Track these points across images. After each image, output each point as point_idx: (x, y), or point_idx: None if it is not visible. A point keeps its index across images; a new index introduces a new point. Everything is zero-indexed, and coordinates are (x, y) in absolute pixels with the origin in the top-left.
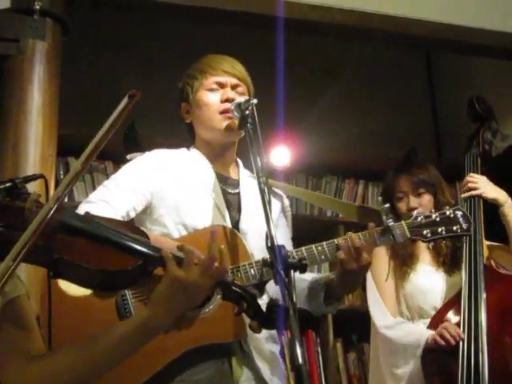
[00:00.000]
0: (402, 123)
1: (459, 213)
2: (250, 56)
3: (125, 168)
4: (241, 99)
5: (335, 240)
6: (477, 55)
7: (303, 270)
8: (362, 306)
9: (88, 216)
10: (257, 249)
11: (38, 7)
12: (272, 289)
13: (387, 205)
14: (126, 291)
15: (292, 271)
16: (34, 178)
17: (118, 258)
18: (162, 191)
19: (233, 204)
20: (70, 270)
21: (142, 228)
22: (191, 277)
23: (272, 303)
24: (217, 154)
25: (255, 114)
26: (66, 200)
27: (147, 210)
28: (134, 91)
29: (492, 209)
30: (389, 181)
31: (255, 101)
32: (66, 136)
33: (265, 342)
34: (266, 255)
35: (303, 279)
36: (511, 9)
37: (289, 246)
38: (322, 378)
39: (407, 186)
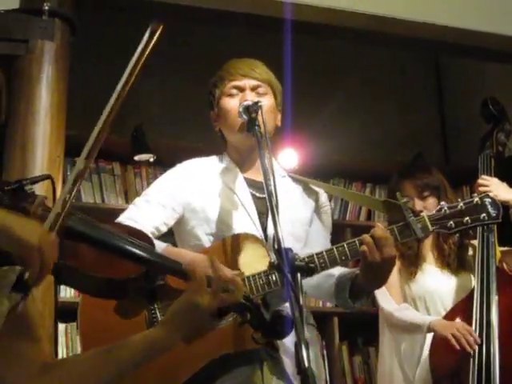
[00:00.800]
0: (409, 127)
1: (488, 200)
2: (257, 59)
3: (156, 183)
4: (248, 102)
5: (356, 239)
6: (485, 59)
7: (310, 273)
8: (368, 310)
9: (93, 222)
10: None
11: (46, 8)
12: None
13: (406, 199)
14: (155, 305)
15: (299, 274)
16: (40, 178)
17: (122, 264)
18: (193, 203)
19: (262, 209)
20: (74, 276)
21: (164, 244)
22: (210, 304)
23: (277, 314)
24: (245, 158)
25: (264, 117)
26: (73, 201)
27: (181, 223)
28: (155, 24)
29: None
30: (393, 185)
31: (263, 103)
32: (74, 136)
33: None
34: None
35: (331, 275)
36: None
37: (323, 240)
38: (327, 381)
39: (412, 190)
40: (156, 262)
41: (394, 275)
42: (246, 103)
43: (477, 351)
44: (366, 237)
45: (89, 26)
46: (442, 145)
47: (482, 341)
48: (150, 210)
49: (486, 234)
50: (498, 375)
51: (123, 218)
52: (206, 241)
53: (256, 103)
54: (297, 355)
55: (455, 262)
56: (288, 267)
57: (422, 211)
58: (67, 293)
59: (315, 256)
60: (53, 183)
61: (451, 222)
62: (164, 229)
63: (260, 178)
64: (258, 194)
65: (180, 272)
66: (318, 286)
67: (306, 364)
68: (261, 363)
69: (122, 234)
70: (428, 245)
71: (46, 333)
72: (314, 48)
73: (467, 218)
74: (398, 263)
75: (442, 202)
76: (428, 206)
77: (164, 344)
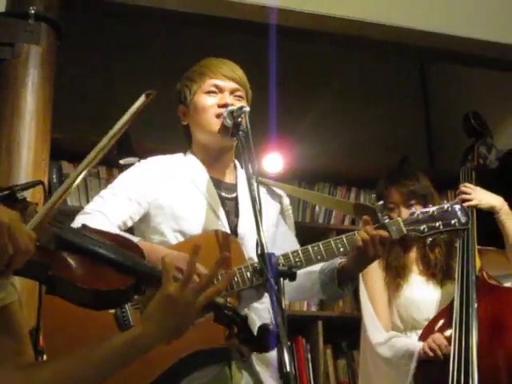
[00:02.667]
0: (395, 132)
1: (457, 206)
2: (243, 63)
3: (121, 177)
4: (233, 107)
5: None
6: (471, 66)
7: (293, 277)
8: (352, 314)
9: (84, 231)
10: (255, 252)
11: (32, 11)
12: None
13: (381, 202)
14: (126, 305)
15: (281, 279)
16: (32, 184)
17: (112, 276)
18: (159, 199)
19: (230, 208)
20: (64, 287)
21: (137, 238)
22: (186, 297)
23: (263, 328)
24: (213, 158)
25: (248, 122)
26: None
27: (145, 219)
28: (151, 91)
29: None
30: (380, 190)
31: (248, 108)
32: (60, 140)
33: None
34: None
35: (313, 271)
36: (507, 20)
37: (291, 242)
38: None
39: (398, 198)
40: (146, 273)
41: (384, 297)
42: (230, 108)
43: (456, 359)
44: (363, 234)
45: (75, 29)
46: (427, 149)
47: (461, 351)
48: (117, 204)
49: (466, 245)
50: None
51: (90, 210)
52: (172, 238)
53: (241, 108)
54: (279, 359)
55: (441, 273)
56: (271, 272)
57: None
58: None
59: (290, 254)
60: (44, 189)
61: (424, 226)
62: (130, 223)
63: (226, 178)
64: (224, 194)
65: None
66: (301, 287)
67: (288, 368)
68: (229, 361)
69: (112, 245)
70: (414, 255)
71: (28, 338)
72: (300, 53)
73: (439, 222)
74: (384, 275)
75: (414, 207)
76: None
77: (145, 341)
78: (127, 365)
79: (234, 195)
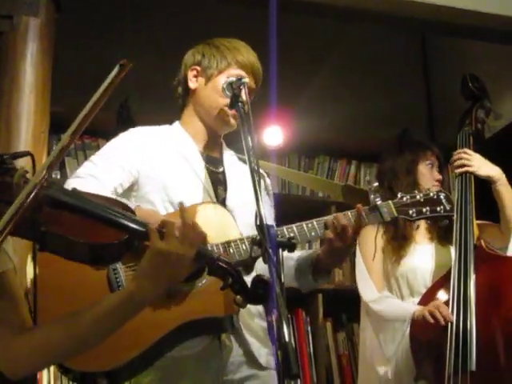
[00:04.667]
0: (395, 104)
1: (442, 194)
2: (242, 35)
3: (111, 144)
4: (232, 78)
5: (324, 218)
6: (472, 38)
7: (292, 248)
8: (351, 286)
9: (75, 191)
10: (245, 225)
11: None
12: (261, 267)
13: (375, 184)
14: (118, 265)
15: (281, 250)
16: (21, 154)
17: (105, 232)
18: (148, 169)
19: (218, 182)
20: (57, 242)
21: (134, 204)
22: (172, 247)
23: (257, 279)
24: (205, 135)
25: (247, 93)
26: (58, 176)
27: (134, 187)
28: (124, 60)
29: (485, 187)
30: (412, 151)
31: (247, 80)
32: (60, 113)
33: (254, 318)
34: (255, 232)
35: (290, 257)
36: None
37: (272, 220)
38: (311, 357)
39: (436, 160)
40: (136, 228)
41: (379, 261)
42: (230, 79)
43: (454, 329)
44: (331, 223)
45: (74, 2)
46: (427, 122)
47: (459, 318)
48: (108, 169)
49: (464, 212)
50: (475, 352)
51: (83, 174)
52: (161, 207)
53: (240, 79)
54: (278, 330)
55: (443, 234)
56: (270, 243)
57: (442, 180)
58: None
59: (285, 229)
60: (33, 160)
61: (413, 210)
62: (120, 190)
63: (213, 153)
64: (211, 168)
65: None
66: None
67: (287, 339)
68: (219, 332)
69: (102, 202)
70: (419, 227)
71: (25, 303)
72: (299, 25)
73: (426, 208)
74: (383, 245)
75: (400, 192)
76: (440, 180)
77: (141, 297)
78: (125, 322)
79: (220, 169)
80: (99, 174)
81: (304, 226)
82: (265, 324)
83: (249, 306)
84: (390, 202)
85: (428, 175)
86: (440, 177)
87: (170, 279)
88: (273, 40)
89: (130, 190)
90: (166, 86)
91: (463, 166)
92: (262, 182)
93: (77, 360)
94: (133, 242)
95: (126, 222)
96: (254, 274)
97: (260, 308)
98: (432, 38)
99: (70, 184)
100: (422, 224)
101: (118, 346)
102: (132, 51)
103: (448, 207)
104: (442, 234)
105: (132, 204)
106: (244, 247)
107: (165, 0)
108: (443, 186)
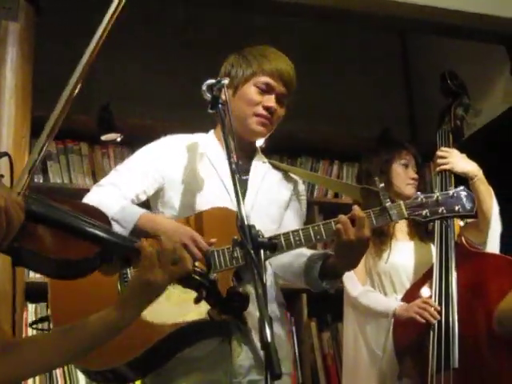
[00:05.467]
0: (377, 104)
1: (463, 193)
2: (224, 34)
3: (138, 152)
4: (212, 80)
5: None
6: (452, 37)
7: (273, 249)
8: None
9: (48, 201)
10: (262, 231)
11: None
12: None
13: (382, 185)
14: (128, 270)
15: (262, 251)
16: None
17: (78, 244)
18: (173, 175)
19: (242, 190)
20: (30, 258)
21: (142, 210)
22: (162, 278)
23: (232, 291)
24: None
25: (227, 95)
26: (41, 181)
27: (159, 193)
28: None
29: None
30: (387, 150)
31: (226, 81)
32: (41, 118)
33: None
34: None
35: (303, 254)
36: None
37: (298, 226)
38: (296, 357)
39: (412, 159)
40: (111, 240)
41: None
42: (209, 81)
43: (436, 325)
44: (342, 216)
45: (54, 6)
46: (408, 121)
47: (441, 315)
48: (131, 178)
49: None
50: (458, 349)
51: (104, 182)
52: (183, 213)
53: (219, 81)
54: (260, 331)
55: (420, 229)
56: (251, 244)
57: (417, 179)
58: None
59: (290, 233)
60: (10, 161)
61: (426, 211)
62: (143, 197)
63: (241, 161)
64: (238, 176)
65: (132, 250)
66: (289, 265)
67: (269, 339)
68: (229, 335)
69: (76, 213)
70: (401, 224)
71: (5, 314)
72: (281, 26)
73: (442, 208)
74: None
75: (418, 192)
76: (415, 178)
77: (121, 323)
78: (105, 342)
79: (246, 177)
80: (121, 181)
81: (332, 222)
82: (282, 330)
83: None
84: (401, 203)
85: (402, 174)
86: (415, 176)
87: (151, 302)
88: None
89: (156, 197)
90: (148, 89)
91: (439, 164)
92: (291, 186)
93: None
94: (108, 255)
95: (98, 233)
96: None
97: (278, 312)
98: (413, 37)
99: (92, 193)
100: (402, 221)
101: (125, 345)
102: (114, 55)
103: (468, 206)
104: (422, 231)
105: (141, 210)
106: (227, 257)
107: (146, 2)
108: (420, 185)
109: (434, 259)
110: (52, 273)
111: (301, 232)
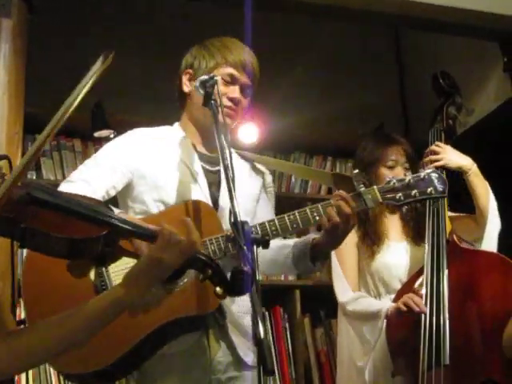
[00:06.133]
0: (369, 100)
1: (434, 175)
2: (216, 32)
3: (106, 147)
4: (205, 77)
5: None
6: (445, 33)
7: (266, 245)
8: (329, 282)
9: (53, 189)
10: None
11: None
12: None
13: (357, 171)
14: (103, 268)
15: (255, 246)
16: None
17: (84, 227)
18: (142, 169)
19: (213, 181)
20: (37, 238)
21: (117, 210)
22: (169, 258)
23: (236, 269)
24: (202, 135)
25: (219, 91)
26: (34, 177)
27: (129, 188)
28: (108, 51)
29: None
30: (377, 148)
31: (219, 77)
32: (34, 114)
33: (241, 316)
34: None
35: (286, 246)
36: None
37: (270, 218)
38: (289, 353)
39: (401, 157)
40: (114, 223)
41: (352, 255)
42: (201, 78)
43: (427, 323)
44: (332, 203)
45: (48, 3)
46: (402, 118)
47: (432, 313)
48: (101, 173)
49: (436, 207)
50: (449, 346)
51: (74, 178)
52: (153, 207)
53: (212, 77)
54: (253, 327)
55: (416, 231)
56: (245, 240)
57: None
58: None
59: (266, 223)
60: (10, 163)
61: (400, 195)
62: (113, 193)
63: (212, 151)
64: (208, 167)
65: (140, 233)
66: (274, 260)
67: (262, 335)
68: (206, 330)
69: (80, 200)
70: (392, 221)
71: (7, 304)
72: (274, 23)
73: (415, 191)
74: (357, 241)
75: (390, 176)
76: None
77: (124, 301)
78: (110, 323)
79: (216, 168)
80: (90, 177)
81: (308, 210)
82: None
83: (241, 304)
84: (374, 187)
85: (387, 176)
86: (402, 174)
87: (156, 282)
88: (248, 38)
89: (125, 191)
90: (141, 86)
91: (432, 161)
92: (260, 178)
93: (64, 363)
94: (112, 239)
95: (102, 218)
96: None
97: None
98: (406, 35)
99: (62, 188)
100: (396, 221)
101: (104, 347)
102: (106, 51)
103: (440, 188)
104: (415, 231)
105: (116, 210)
106: (222, 244)
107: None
108: None
109: (426, 256)
110: (58, 252)
111: (277, 221)
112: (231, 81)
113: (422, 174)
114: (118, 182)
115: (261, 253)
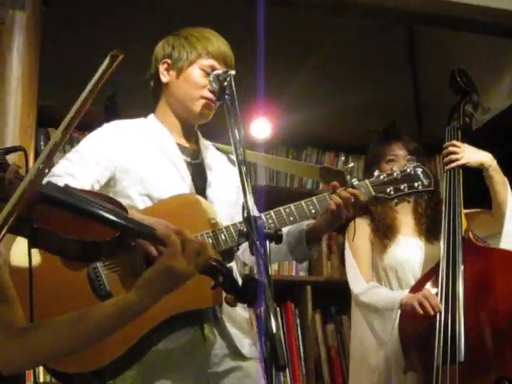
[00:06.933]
0: (382, 96)
1: (419, 169)
2: (230, 26)
3: (86, 140)
4: (219, 71)
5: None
6: (459, 29)
7: (279, 240)
8: (340, 279)
9: (67, 188)
10: (226, 216)
11: None
12: (246, 256)
13: (351, 165)
14: (98, 263)
15: (268, 242)
16: (13, 149)
17: (97, 229)
18: (125, 163)
19: (196, 173)
20: (49, 239)
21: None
22: (180, 267)
23: (248, 277)
24: (180, 127)
25: (233, 86)
26: (46, 171)
27: (111, 182)
28: (115, 51)
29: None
30: (378, 145)
31: (233, 72)
32: (47, 107)
33: (237, 309)
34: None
35: None
36: None
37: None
38: (300, 349)
39: (401, 151)
40: (129, 226)
41: (366, 248)
42: (216, 72)
43: (442, 320)
44: (336, 198)
45: None
46: (415, 114)
47: (447, 310)
48: (85, 167)
49: (453, 205)
50: (464, 343)
51: (59, 172)
52: (140, 201)
53: (226, 72)
54: (265, 321)
55: (430, 228)
56: (257, 235)
57: None
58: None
59: (263, 216)
60: (25, 155)
61: (390, 188)
62: (97, 187)
63: (189, 144)
64: (189, 159)
65: (153, 237)
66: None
67: (274, 330)
68: (201, 323)
69: (94, 199)
70: (405, 216)
71: (17, 300)
72: (287, 18)
73: (404, 185)
74: (370, 234)
75: (378, 171)
76: None
77: (136, 308)
78: (122, 327)
79: (197, 161)
80: (75, 171)
81: (303, 203)
82: (247, 314)
83: None
84: (366, 181)
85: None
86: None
87: (170, 291)
88: (260, 33)
89: (107, 186)
90: None
91: (453, 160)
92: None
93: (61, 362)
94: (124, 240)
95: (117, 219)
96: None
97: None
98: (419, 30)
99: None
100: (409, 217)
101: (104, 346)
102: (121, 45)
103: (426, 182)
104: (429, 229)
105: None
106: (223, 237)
107: None
108: None
109: (441, 254)
110: (71, 254)
111: (273, 215)
112: (211, 70)
113: (408, 169)
114: (101, 176)
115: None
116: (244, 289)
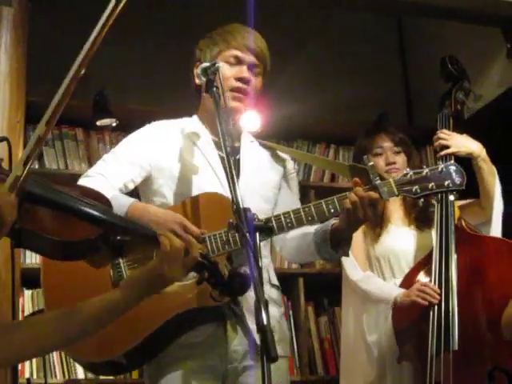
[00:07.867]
0: (373, 88)
1: (452, 167)
2: (220, 18)
3: (124, 141)
4: (206, 64)
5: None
6: (448, 19)
7: (269, 232)
8: (333, 270)
9: (48, 184)
10: (258, 212)
11: None
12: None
13: (372, 163)
14: (120, 260)
15: (258, 234)
16: None
17: (80, 226)
18: (160, 162)
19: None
20: (31, 239)
21: (132, 199)
22: (169, 271)
23: (234, 272)
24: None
25: (221, 78)
26: (36, 167)
27: (148, 182)
28: None
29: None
30: (364, 138)
31: (221, 64)
32: (36, 102)
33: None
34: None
35: (308, 233)
36: None
37: (293, 206)
38: (293, 341)
39: (387, 142)
40: (112, 222)
41: (359, 238)
42: (204, 65)
43: (436, 308)
44: (352, 195)
45: None
46: (405, 105)
47: (440, 298)
48: (119, 167)
49: (444, 194)
50: (457, 332)
51: (93, 173)
52: (173, 199)
53: (214, 64)
54: (256, 314)
55: (421, 218)
56: (247, 227)
57: (394, 163)
58: (33, 259)
59: (282, 216)
60: (9, 145)
61: (416, 187)
62: (131, 186)
63: (229, 141)
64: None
65: (148, 237)
66: (299, 248)
67: (265, 322)
68: (224, 320)
69: (77, 196)
70: (393, 205)
71: (5, 297)
72: (277, 10)
73: (432, 183)
74: (363, 226)
75: (408, 168)
76: (399, 162)
77: (122, 305)
78: (108, 322)
79: (236, 157)
80: (108, 171)
81: (323, 202)
82: (279, 312)
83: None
84: (391, 180)
85: (378, 165)
86: (391, 160)
87: (156, 292)
88: (250, 24)
89: (144, 185)
90: (143, 75)
91: (443, 148)
92: (281, 167)
93: (77, 351)
94: (109, 237)
95: (100, 215)
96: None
97: (275, 295)
98: (408, 21)
99: (79, 183)
100: (398, 206)
101: (118, 336)
102: (110, 40)
103: (458, 181)
104: (420, 217)
105: (130, 199)
106: (222, 241)
107: None
108: (409, 165)
109: (434, 242)
110: (53, 253)
111: (292, 214)
112: (236, 62)
113: (440, 166)
114: (136, 176)
115: (286, 242)
116: (229, 284)
